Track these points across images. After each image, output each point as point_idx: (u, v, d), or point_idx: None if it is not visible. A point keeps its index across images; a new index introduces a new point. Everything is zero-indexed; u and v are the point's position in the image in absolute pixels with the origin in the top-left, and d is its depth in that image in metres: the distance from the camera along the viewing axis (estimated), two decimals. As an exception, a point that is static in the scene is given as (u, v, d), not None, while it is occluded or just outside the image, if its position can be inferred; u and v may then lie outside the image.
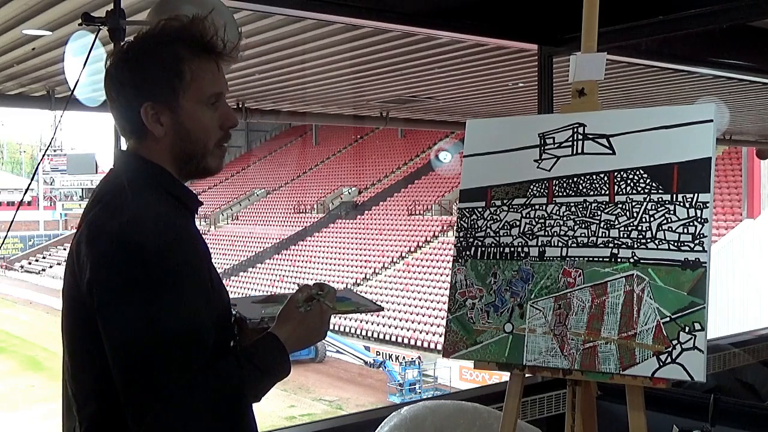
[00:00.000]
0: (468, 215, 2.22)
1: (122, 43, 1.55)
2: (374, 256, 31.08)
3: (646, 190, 1.98)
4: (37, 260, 48.45)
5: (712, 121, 1.94)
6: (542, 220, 2.10)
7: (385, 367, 21.76)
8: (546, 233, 2.09)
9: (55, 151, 59.67)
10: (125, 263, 1.36)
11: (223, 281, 1.58)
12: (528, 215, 2.13)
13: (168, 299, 1.35)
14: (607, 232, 2.01)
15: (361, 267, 30.89)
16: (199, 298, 1.41)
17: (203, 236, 1.55)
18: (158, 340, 1.34)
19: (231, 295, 1.62)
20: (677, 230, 1.92)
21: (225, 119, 1.54)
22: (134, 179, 1.49)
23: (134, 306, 1.35)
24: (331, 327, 1.61)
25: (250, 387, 1.42)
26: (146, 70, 1.48)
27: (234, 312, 1.62)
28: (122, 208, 1.42)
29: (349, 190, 39.68)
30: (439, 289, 25.77)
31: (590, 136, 2.08)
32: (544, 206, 2.11)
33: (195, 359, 1.36)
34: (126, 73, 1.49)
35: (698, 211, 1.91)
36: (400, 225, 32.99)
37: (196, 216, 1.61)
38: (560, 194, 2.09)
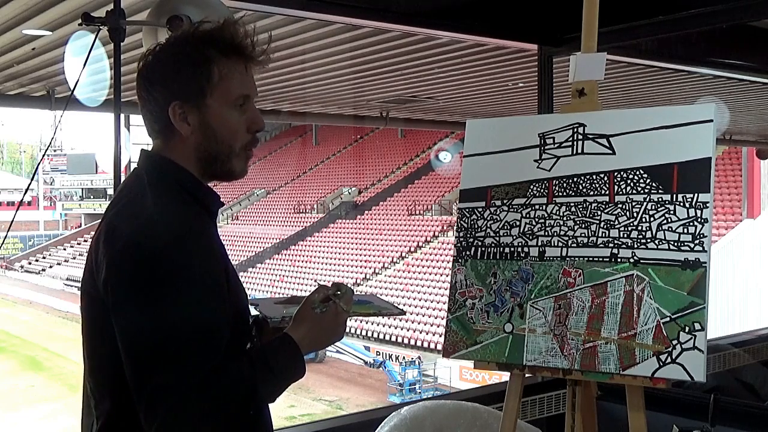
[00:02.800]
0: (468, 215, 2.22)
1: (154, 44, 1.56)
2: (374, 256, 31.08)
3: (646, 190, 1.98)
4: (37, 260, 48.44)
5: (712, 121, 1.94)
6: (542, 220, 2.10)
7: (385, 367, 21.76)
8: (546, 233, 2.09)
9: (55, 151, 59.68)
10: (139, 264, 1.37)
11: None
12: (528, 215, 2.13)
13: (180, 300, 1.36)
14: (607, 232, 2.01)
15: (361, 267, 30.89)
16: (212, 299, 1.41)
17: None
18: (170, 340, 1.35)
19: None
20: (677, 230, 1.92)
21: (252, 122, 1.54)
22: (155, 180, 1.50)
23: (147, 306, 1.36)
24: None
25: (264, 388, 1.42)
26: (176, 69, 1.50)
27: (256, 312, 1.62)
28: (140, 209, 1.44)
29: (349, 190, 39.68)
30: (439, 289, 25.77)
31: (590, 136, 2.09)
32: (544, 206, 2.11)
33: (207, 360, 1.36)
34: (156, 73, 1.51)
35: (698, 211, 1.91)
36: (400, 225, 32.99)
37: (216, 216, 1.61)
38: (560, 194, 2.09)
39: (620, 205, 2.01)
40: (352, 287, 1.59)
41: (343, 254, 32.63)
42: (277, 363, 1.44)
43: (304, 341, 1.49)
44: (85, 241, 46.40)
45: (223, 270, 1.47)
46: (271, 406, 1.54)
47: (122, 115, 2.36)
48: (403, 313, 1.83)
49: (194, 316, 1.37)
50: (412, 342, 24.24)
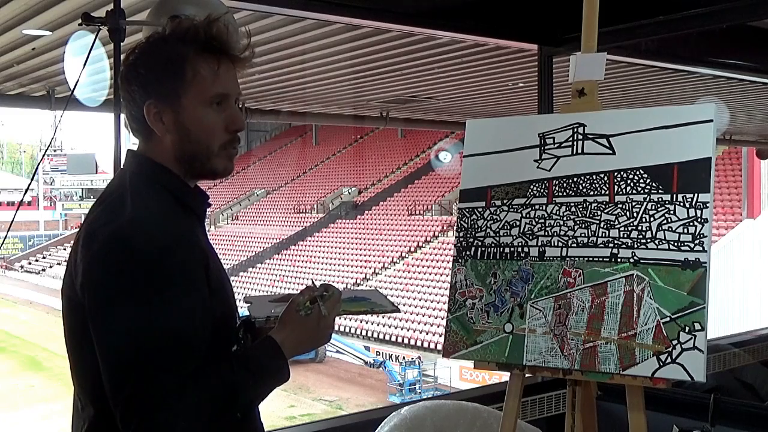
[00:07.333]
0: (468, 215, 2.22)
1: (136, 43, 1.54)
2: (374, 256, 31.08)
3: (646, 190, 1.98)
4: (37, 260, 48.45)
5: (712, 121, 1.94)
6: (542, 220, 2.10)
7: (385, 367, 21.75)
8: (546, 233, 2.09)
9: (55, 151, 59.68)
10: (115, 267, 1.35)
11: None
12: (528, 215, 2.13)
13: (158, 303, 1.34)
14: (607, 232, 2.01)
15: (361, 267, 30.88)
16: (192, 302, 1.38)
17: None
18: (146, 344, 1.32)
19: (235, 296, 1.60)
20: (677, 230, 1.92)
21: (230, 122, 1.50)
22: (137, 180, 1.48)
23: (123, 310, 1.34)
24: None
25: (244, 392, 1.40)
26: (150, 68, 1.48)
27: (248, 312, 1.61)
28: (119, 211, 1.41)
29: (349, 190, 39.67)
30: (439, 289, 25.77)
31: (590, 136, 2.09)
32: (544, 206, 2.11)
33: (185, 365, 1.34)
34: (133, 72, 1.49)
35: (698, 211, 1.91)
36: (400, 225, 32.99)
37: (204, 217, 1.58)
38: (560, 194, 2.09)
39: (620, 205, 2.01)
40: (340, 288, 1.57)
41: (343, 254, 32.63)
42: (258, 367, 1.42)
43: (287, 344, 1.46)
44: (85, 241, 46.22)
45: (204, 273, 1.43)
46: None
47: (122, 115, 2.36)
48: (398, 310, 1.79)
49: (170, 321, 1.34)
50: (412, 342, 24.24)
